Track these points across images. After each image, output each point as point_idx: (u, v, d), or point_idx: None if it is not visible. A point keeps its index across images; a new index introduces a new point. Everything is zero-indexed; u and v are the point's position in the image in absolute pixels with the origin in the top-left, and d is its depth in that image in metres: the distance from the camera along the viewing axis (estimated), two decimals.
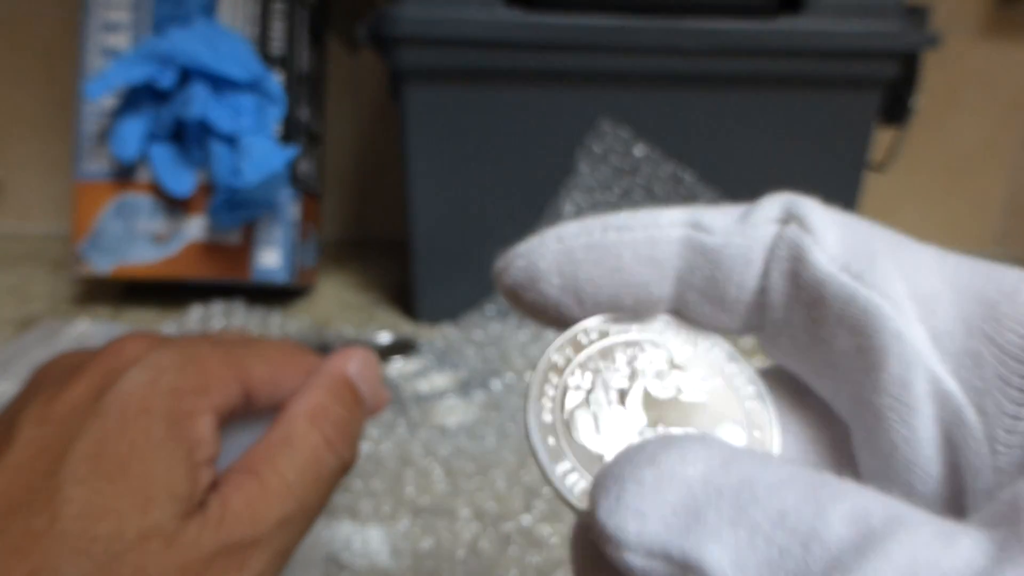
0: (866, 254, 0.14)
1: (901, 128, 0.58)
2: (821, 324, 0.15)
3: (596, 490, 0.13)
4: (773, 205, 0.15)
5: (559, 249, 0.16)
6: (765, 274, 0.15)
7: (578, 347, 0.16)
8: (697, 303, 0.16)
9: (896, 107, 0.57)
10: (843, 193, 0.58)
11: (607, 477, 0.13)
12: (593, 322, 0.16)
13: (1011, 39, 0.76)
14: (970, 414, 0.13)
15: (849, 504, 0.11)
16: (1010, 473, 0.13)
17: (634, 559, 0.12)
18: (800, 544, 0.11)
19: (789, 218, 0.15)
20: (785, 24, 0.52)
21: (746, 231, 0.15)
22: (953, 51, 0.76)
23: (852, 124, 0.56)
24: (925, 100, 0.61)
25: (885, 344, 0.14)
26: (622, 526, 0.12)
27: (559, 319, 0.17)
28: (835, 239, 0.15)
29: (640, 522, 0.12)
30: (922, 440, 0.14)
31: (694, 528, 0.12)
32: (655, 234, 0.16)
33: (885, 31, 0.52)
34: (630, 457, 0.13)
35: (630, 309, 0.16)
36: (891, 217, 0.82)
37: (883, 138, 0.59)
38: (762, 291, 0.15)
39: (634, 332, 0.16)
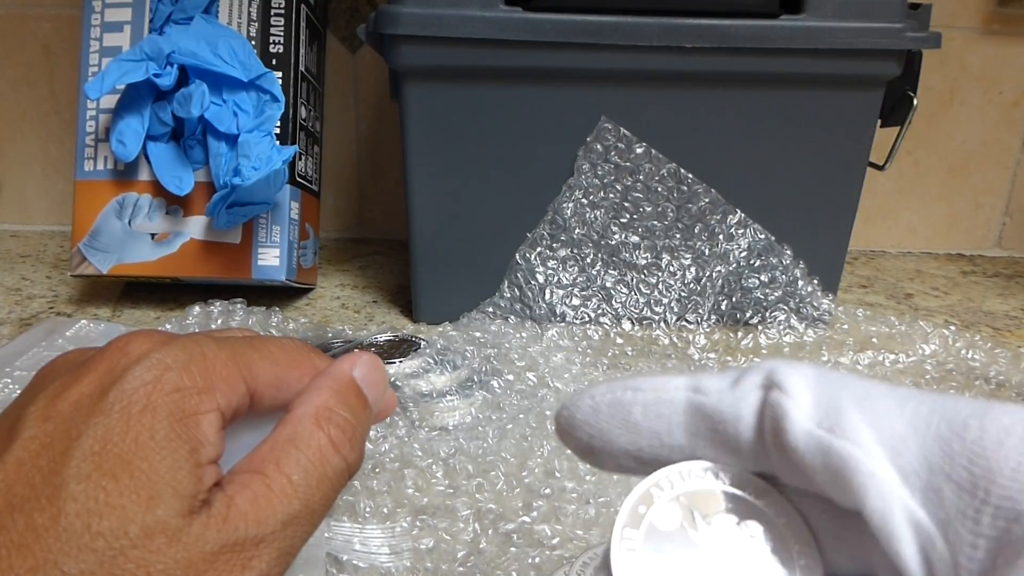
0: (836, 409, 0.17)
1: (901, 127, 0.58)
2: (810, 472, 0.17)
3: None
4: (759, 372, 0.18)
5: (590, 404, 0.19)
6: (757, 430, 0.18)
7: (649, 500, 0.18)
8: (707, 451, 0.19)
9: (896, 106, 0.57)
10: (843, 193, 0.58)
11: None
12: (663, 475, 0.19)
13: (1010, 38, 0.76)
14: (940, 542, 0.15)
15: None
16: None
17: None
18: None
19: (771, 384, 0.18)
20: (786, 23, 0.52)
21: (736, 394, 0.18)
22: (953, 50, 0.76)
23: (852, 123, 0.56)
24: (925, 99, 0.61)
25: (863, 482, 0.16)
26: None
27: (596, 461, 0.20)
28: (809, 400, 0.17)
29: None
30: (909, 563, 0.16)
31: None
32: (662, 396, 0.19)
33: (886, 30, 0.52)
34: None
35: (650, 456, 0.19)
36: (891, 217, 0.83)
37: (883, 138, 0.59)
38: (758, 443, 0.18)
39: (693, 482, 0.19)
